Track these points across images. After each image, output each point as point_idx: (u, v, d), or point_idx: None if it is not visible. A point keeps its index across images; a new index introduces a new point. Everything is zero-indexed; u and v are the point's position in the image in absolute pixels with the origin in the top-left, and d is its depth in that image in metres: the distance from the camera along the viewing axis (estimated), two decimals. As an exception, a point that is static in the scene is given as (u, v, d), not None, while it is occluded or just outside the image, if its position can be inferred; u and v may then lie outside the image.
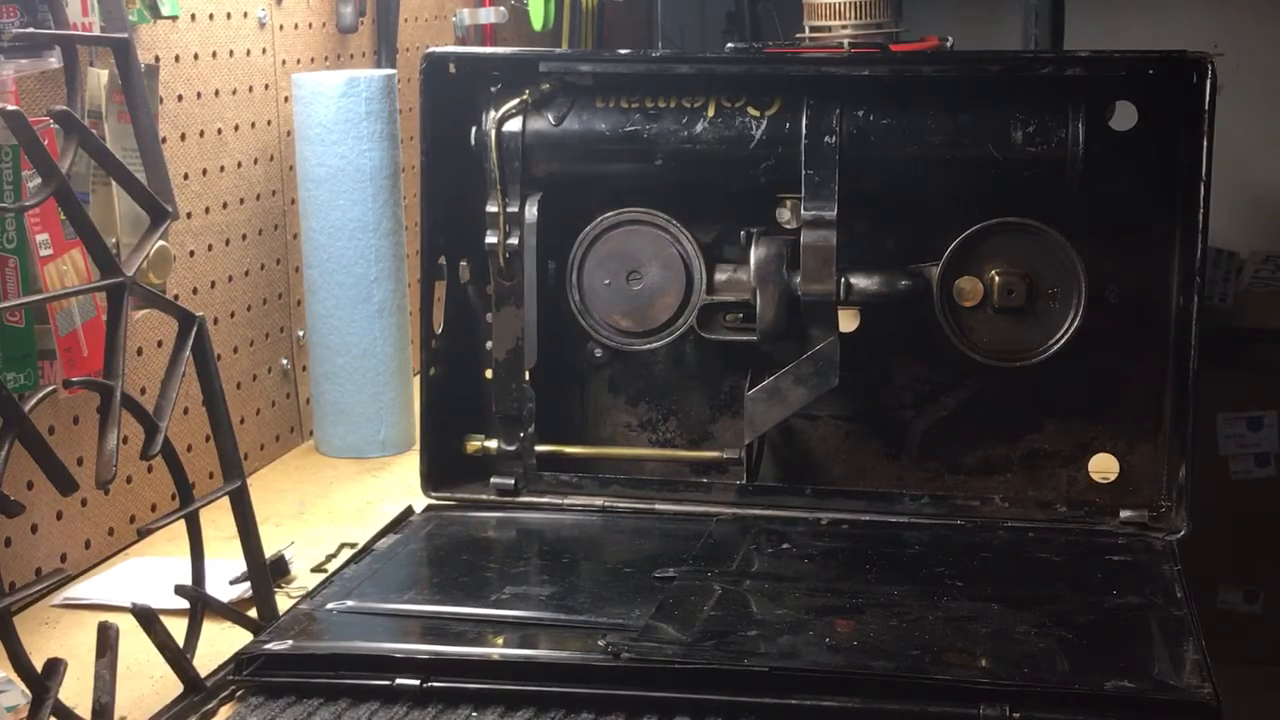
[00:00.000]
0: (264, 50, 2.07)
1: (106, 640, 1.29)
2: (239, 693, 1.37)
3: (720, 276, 1.75)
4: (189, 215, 1.90)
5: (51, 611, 1.57)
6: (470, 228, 1.79)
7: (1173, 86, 1.64)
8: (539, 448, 1.80)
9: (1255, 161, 3.83)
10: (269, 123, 2.08)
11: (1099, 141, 1.65)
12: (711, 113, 1.72)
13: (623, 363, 1.83)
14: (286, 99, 2.10)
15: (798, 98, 1.69)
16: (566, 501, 1.78)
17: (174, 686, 1.36)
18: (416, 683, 1.32)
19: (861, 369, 1.75)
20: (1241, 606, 3.74)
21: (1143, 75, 1.66)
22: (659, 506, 1.76)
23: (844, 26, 2.16)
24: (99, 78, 1.63)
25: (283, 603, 1.53)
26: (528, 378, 1.79)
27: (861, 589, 1.51)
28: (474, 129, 1.77)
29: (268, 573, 1.52)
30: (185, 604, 1.41)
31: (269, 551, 1.54)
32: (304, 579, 1.65)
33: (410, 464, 1.93)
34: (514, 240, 1.77)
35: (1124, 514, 1.67)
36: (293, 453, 2.13)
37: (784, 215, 1.72)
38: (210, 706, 1.35)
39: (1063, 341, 1.69)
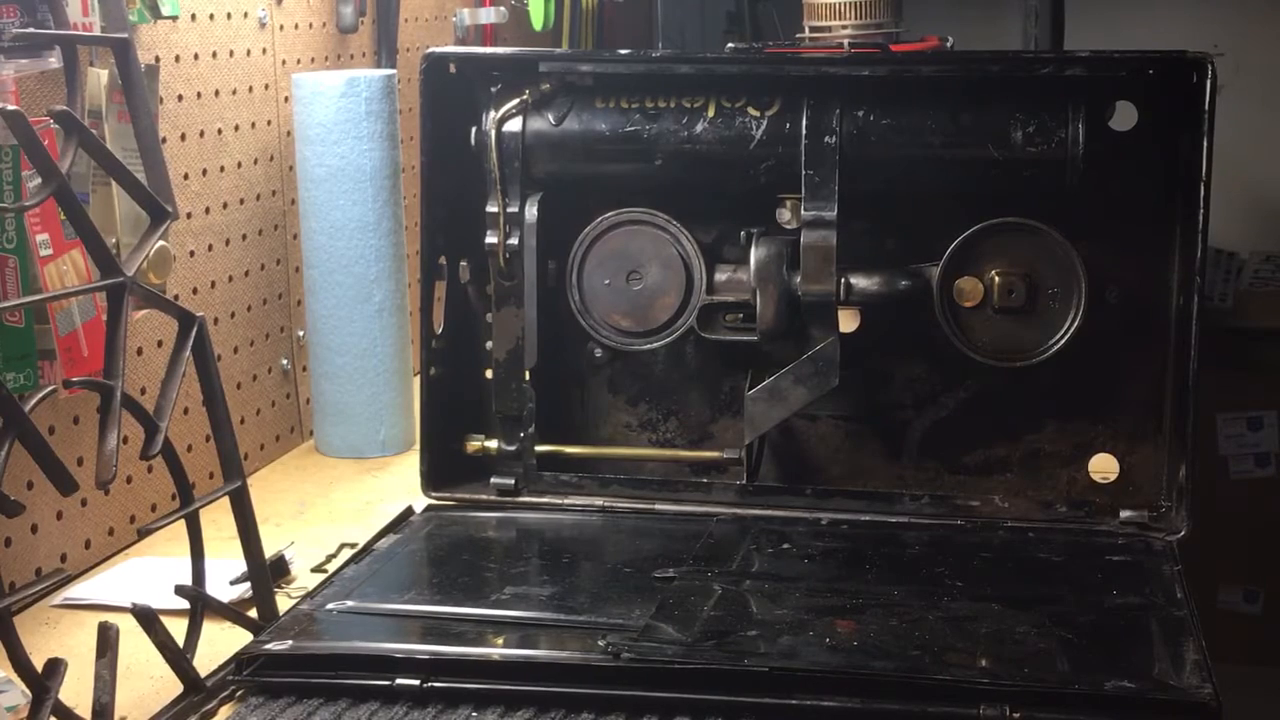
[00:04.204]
0: (264, 50, 2.07)
1: (106, 640, 1.29)
2: (239, 693, 1.37)
3: (720, 276, 1.75)
4: (189, 215, 1.90)
5: (51, 611, 1.57)
6: (470, 228, 1.79)
7: (1173, 86, 1.63)
8: (539, 448, 1.79)
9: (1255, 161, 3.84)
10: (269, 123, 2.08)
11: (1099, 141, 1.65)
12: (711, 113, 1.72)
13: (623, 363, 1.83)
14: (286, 99, 2.10)
15: (798, 98, 1.69)
16: (566, 501, 1.78)
17: (174, 686, 1.36)
18: (416, 683, 1.32)
19: (861, 369, 1.75)
20: (1241, 606, 3.74)
21: (1143, 75, 1.66)
22: (659, 506, 1.76)
23: (844, 26, 2.16)
24: (99, 78, 1.63)
25: (283, 603, 1.53)
26: (528, 378, 1.78)
27: (861, 589, 1.51)
28: (474, 129, 1.77)
29: (268, 573, 1.52)
30: (185, 604, 1.41)
31: (269, 551, 1.55)
32: (304, 579, 1.65)
33: (410, 464, 1.93)
34: (514, 240, 1.77)
35: (1124, 514, 1.67)
36: (293, 453, 2.13)
37: (784, 215, 1.72)
38: (210, 706, 1.35)
39: (1063, 341, 1.69)
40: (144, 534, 1.41)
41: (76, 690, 1.30)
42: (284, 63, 2.12)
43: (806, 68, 1.70)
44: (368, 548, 1.67)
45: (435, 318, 1.82)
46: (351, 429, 2.06)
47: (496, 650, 1.40)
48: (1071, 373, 1.71)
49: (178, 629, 1.38)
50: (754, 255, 1.71)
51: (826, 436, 1.80)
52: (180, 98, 1.87)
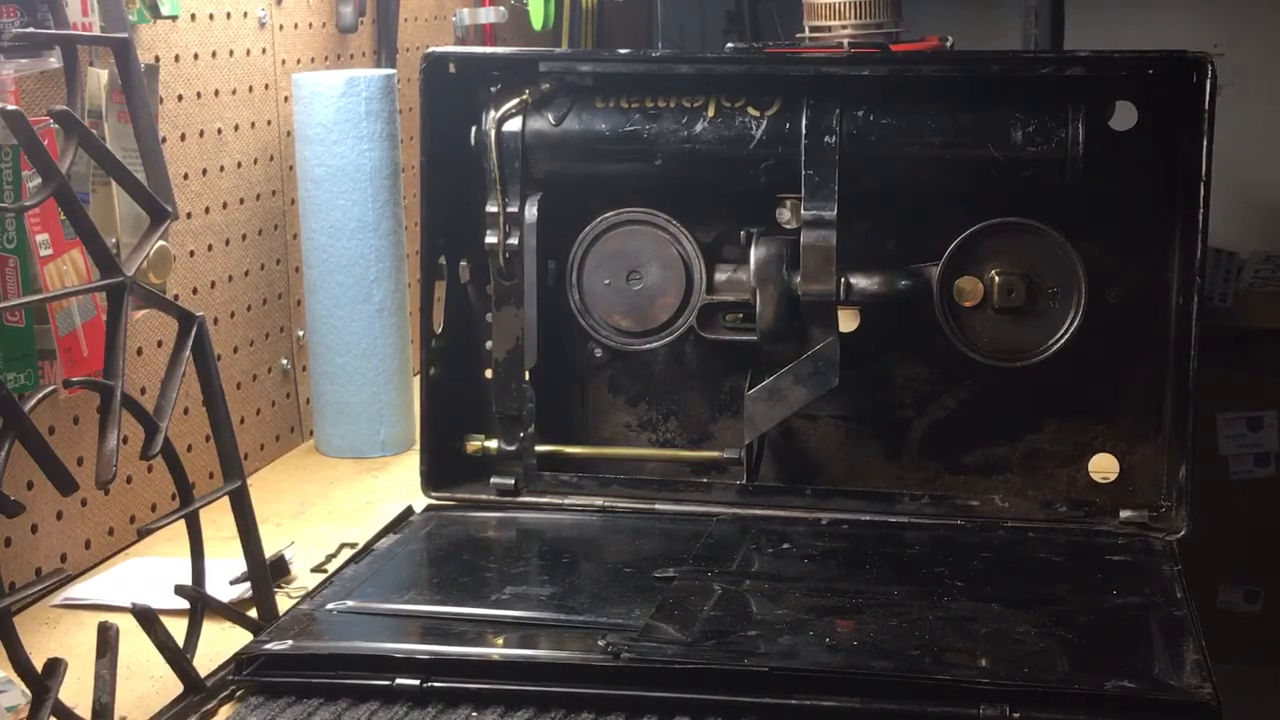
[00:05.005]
0: (264, 50, 2.07)
1: (106, 640, 1.29)
2: (239, 693, 1.37)
3: (720, 276, 1.75)
4: (189, 215, 1.90)
5: (51, 611, 1.57)
6: (470, 228, 1.79)
7: (1173, 86, 1.63)
8: (539, 448, 1.79)
9: (1255, 161, 3.83)
10: (269, 123, 2.08)
11: (1099, 141, 1.65)
12: (711, 113, 1.72)
13: (623, 363, 1.83)
14: (286, 99, 2.10)
15: (798, 98, 1.69)
16: (566, 501, 1.78)
17: (174, 686, 1.36)
18: (416, 683, 1.32)
19: (861, 369, 1.75)
20: (1241, 606, 3.74)
21: (1143, 75, 1.66)
22: (659, 506, 1.76)
23: (844, 26, 2.16)
24: (99, 78, 1.63)
25: (283, 603, 1.53)
26: (528, 378, 1.79)
27: (861, 589, 1.51)
28: (474, 129, 1.77)
29: (268, 573, 1.52)
30: (185, 604, 1.41)
31: (269, 551, 1.54)
32: (304, 579, 1.65)
33: (410, 464, 1.93)
34: (514, 240, 1.77)
35: (1124, 514, 1.67)
36: (293, 453, 2.13)
37: (784, 215, 1.72)
38: (210, 706, 1.35)
39: (1063, 341, 1.69)
40: (144, 534, 1.41)
41: (76, 690, 1.30)
42: (284, 63, 2.12)
43: (806, 68, 1.70)
44: (368, 548, 1.67)
45: (435, 318, 1.82)
46: (351, 429, 2.06)
47: (496, 650, 1.40)
48: (1071, 373, 1.71)
49: (178, 629, 1.38)
50: (754, 255, 1.71)
51: (826, 436, 1.80)
52: (180, 98, 1.87)
